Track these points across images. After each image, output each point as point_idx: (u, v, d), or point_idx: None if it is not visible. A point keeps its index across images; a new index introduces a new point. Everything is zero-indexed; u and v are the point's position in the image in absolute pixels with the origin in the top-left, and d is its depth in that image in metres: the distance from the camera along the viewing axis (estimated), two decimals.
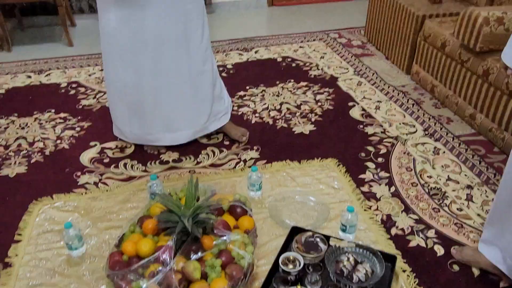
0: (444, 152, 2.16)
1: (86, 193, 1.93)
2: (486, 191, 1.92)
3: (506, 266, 1.52)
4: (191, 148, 2.20)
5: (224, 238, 1.48)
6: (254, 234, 1.57)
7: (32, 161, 2.13)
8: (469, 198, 1.89)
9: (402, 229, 1.74)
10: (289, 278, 1.48)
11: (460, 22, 2.23)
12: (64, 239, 1.61)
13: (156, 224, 1.50)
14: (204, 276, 1.39)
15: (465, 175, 2.00)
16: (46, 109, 2.52)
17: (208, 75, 2.07)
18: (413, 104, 2.56)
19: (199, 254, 1.43)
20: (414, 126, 2.37)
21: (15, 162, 2.12)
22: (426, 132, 2.32)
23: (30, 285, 1.53)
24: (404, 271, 1.57)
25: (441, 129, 2.33)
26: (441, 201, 1.87)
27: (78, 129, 2.35)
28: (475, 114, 2.28)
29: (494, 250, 1.56)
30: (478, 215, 1.79)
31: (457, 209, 1.83)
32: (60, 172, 2.06)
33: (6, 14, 3.39)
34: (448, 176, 2.01)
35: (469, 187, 1.95)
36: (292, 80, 2.83)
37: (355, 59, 3.10)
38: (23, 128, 2.37)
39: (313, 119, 2.44)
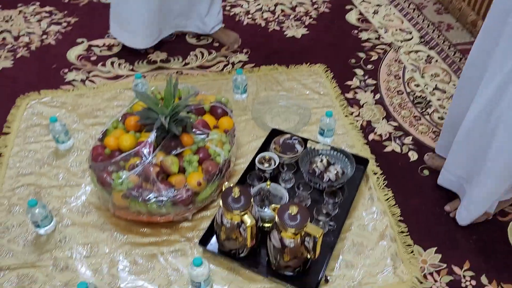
0: (436, 60, 2.16)
1: (73, 90, 1.97)
2: None
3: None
4: (180, 48, 2.19)
5: (203, 136, 1.54)
6: (232, 134, 1.63)
7: (18, 56, 2.14)
8: None
9: (380, 135, 1.81)
10: (263, 176, 1.57)
11: None
12: (51, 132, 1.68)
13: (136, 119, 1.55)
14: (182, 171, 1.48)
15: (454, 85, 2.01)
16: (30, 1, 2.47)
17: None
18: (413, 9, 2.50)
19: (178, 150, 1.50)
20: (410, 33, 2.34)
21: (1, 55, 2.14)
22: (422, 40, 2.29)
23: (20, 173, 1.64)
24: (375, 173, 1.66)
25: (438, 36, 2.30)
26: (423, 110, 1.91)
27: (64, 24, 2.33)
28: (476, 21, 2.22)
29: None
30: None
31: (438, 117, 1.88)
32: (46, 68, 2.08)
33: None
34: (436, 85, 2.03)
35: None
36: None
37: None
38: (7, 21, 2.35)
39: (306, 23, 2.40)
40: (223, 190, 1.32)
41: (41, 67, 2.08)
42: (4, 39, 2.23)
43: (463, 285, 1.35)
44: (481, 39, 1.41)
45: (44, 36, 2.25)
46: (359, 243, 1.44)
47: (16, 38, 2.23)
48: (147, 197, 1.37)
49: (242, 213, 1.26)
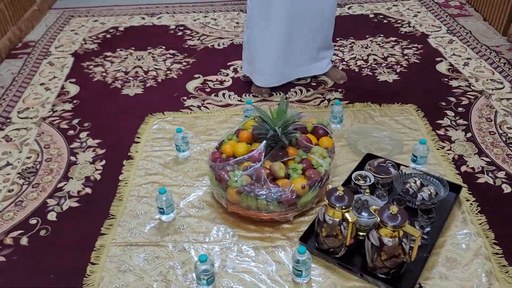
0: None
1: (190, 112, 2.21)
2: None
3: None
4: (281, 86, 2.38)
5: (307, 149, 1.69)
6: (332, 151, 1.75)
7: (147, 85, 2.44)
8: None
9: (472, 168, 1.85)
10: (359, 190, 1.64)
11: None
12: (174, 141, 1.91)
13: (251, 131, 1.75)
14: (287, 177, 1.61)
15: None
16: (157, 46, 2.81)
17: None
18: (504, 63, 2.55)
19: (284, 159, 1.65)
20: (502, 83, 2.39)
21: (133, 85, 2.44)
22: (504, 81, 2.35)
23: (147, 173, 1.87)
24: (468, 200, 1.69)
25: None
26: None
27: (184, 63, 2.62)
28: None
29: None
30: None
31: None
32: (169, 95, 2.35)
33: None
34: None
35: None
36: (382, 35, 2.89)
37: (450, 19, 3.07)
38: (139, 59, 2.68)
39: (398, 70, 2.52)
40: (327, 190, 1.44)
41: (165, 94, 2.36)
42: (137, 72, 2.55)
43: None
44: None
45: (168, 72, 2.55)
46: (453, 259, 1.48)
47: (146, 72, 2.55)
48: (259, 193, 1.52)
49: (345, 210, 1.38)
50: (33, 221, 1.71)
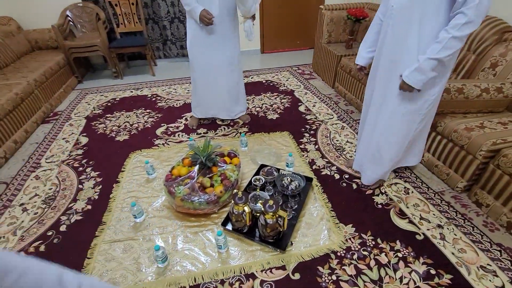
0: (342, 126, 2.21)
1: (157, 148, 2.00)
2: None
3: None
4: (213, 127, 2.24)
5: (223, 167, 1.56)
6: (239, 166, 1.64)
7: (132, 133, 2.19)
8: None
9: (319, 166, 1.80)
10: (256, 188, 1.56)
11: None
12: (145, 169, 1.72)
13: (189, 160, 1.60)
14: (212, 186, 1.48)
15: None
16: (139, 108, 2.56)
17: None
18: (333, 103, 2.53)
19: (210, 175, 1.52)
20: (332, 115, 2.36)
21: (123, 134, 2.18)
22: (337, 117, 2.33)
23: (128, 190, 1.64)
24: (317, 185, 1.64)
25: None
26: (341, 152, 1.92)
27: (155, 117, 2.39)
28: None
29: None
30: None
31: (350, 156, 1.88)
32: (145, 138, 2.12)
33: (120, 59, 3.44)
34: (347, 140, 2.06)
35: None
36: (269, 92, 2.81)
37: (305, 80, 3.05)
38: (127, 117, 2.41)
39: (278, 111, 2.45)
40: (233, 193, 1.35)
41: (142, 138, 2.13)
42: (125, 125, 2.28)
43: (367, 243, 1.32)
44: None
45: (145, 123, 2.31)
46: (309, 223, 1.42)
47: (131, 125, 2.29)
48: (194, 198, 1.39)
49: (243, 205, 1.29)
50: (49, 233, 1.43)
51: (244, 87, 2.19)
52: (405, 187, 1.62)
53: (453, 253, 1.27)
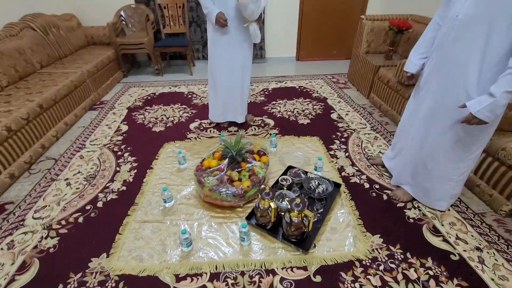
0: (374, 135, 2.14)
1: (190, 141, 2.08)
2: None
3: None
4: (245, 126, 2.28)
5: (252, 163, 1.59)
6: (267, 164, 1.66)
7: (167, 125, 2.30)
8: None
9: (348, 173, 1.76)
10: (282, 187, 1.55)
11: (396, 68, 2.19)
12: (177, 159, 1.79)
13: (220, 153, 1.64)
14: (239, 180, 1.51)
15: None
16: (176, 103, 2.68)
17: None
18: (367, 114, 2.47)
19: (238, 169, 1.56)
20: (365, 125, 2.30)
21: (159, 125, 2.30)
22: (371, 127, 2.28)
23: (160, 177, 1.72)
24: (344, 192, 1.61)
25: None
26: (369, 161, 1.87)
27: (190, 113, 2.49)
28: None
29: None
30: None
31: (382, 167, 1.82)
32: (179, 131, 2.21)
33: (162, 58, 3.65)
34: (379, 151, 1.99)
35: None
36: (302, 98, 2.81)
37: (339, 89, 3.02)
38: (164, 111, 2.54)
39: (309, 117, 2.44)
40: (260, 189, 1.37)
41: (177, 131, 2.22)
42: (162, 118, 2.40)
43: (396, 256, 1.26)
44: None
45: (180, 118, 2.42)
46: (334, 228, 1.39)
47: (168, 118, 2.41)
48: (221, 190, 1.42)
49: (270, 200, 1.30)
50: (88, 207, 1.54)
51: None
52: None
53: (492, 279, 1.16)
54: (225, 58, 1.88)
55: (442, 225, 1.41)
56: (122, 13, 3.34)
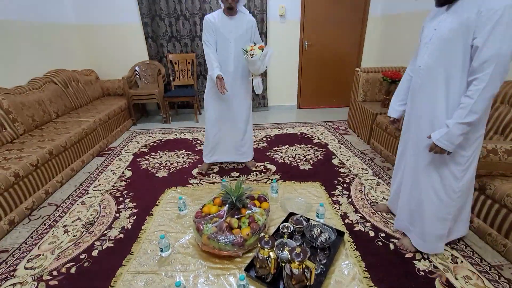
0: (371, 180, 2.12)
1: (192, 186, 2.09)
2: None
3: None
4: (246, 171, 2.31)
5: (252, 210, 1.57)
6: (267, 211, 1.63)
7: (171, 171, 2.34)
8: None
9: (352, 220, 1.72)
10: (283, 235, 1.50)
11: None
12: (177, 204, 1.80)
13: (220, 199, 1.65)
14: (239, 228, 1.48)
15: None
16: (180, 149, 2.77)
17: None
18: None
19: (238, 216, 1.53)
20: (367, 170, 2.30)
21: (163, 171, 2.34)
22: (373, 173, 2.28)
23: (159, 224, 1.69)
24: (349, 241, 1.54)
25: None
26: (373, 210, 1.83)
27: (193, 159, 2.54)
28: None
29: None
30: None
31: (386, 214, 1.78)
32: (182, 177, 2.23)
33: (171, 107, 3.87)
34: (383, 197, 1.97)
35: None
36: (303, 144, 2.87)
37: (339, 135, 3.08)
38: (169, 156, 2.61)
39: (311, 163, 2.46)
40: (259, 237, 1.32)
41: (180, 176, 2.24)
42: (166, 164, 2.45)
43: None
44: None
45: (184, 163, 2.47)
46: (339, 281, 1.30)
47: (171, 164, 2.46)
48: (220, 238, 1.38)
49: (269, 250, 1.25)
50: (82, 256, 1.50)
51: (252, 137, 2.28)
52: (452, 255, 1.44)
53: None
54: (221, 109, 2.01)
55: (456, 279, 1.30)
56: (136, 68, 3.68)
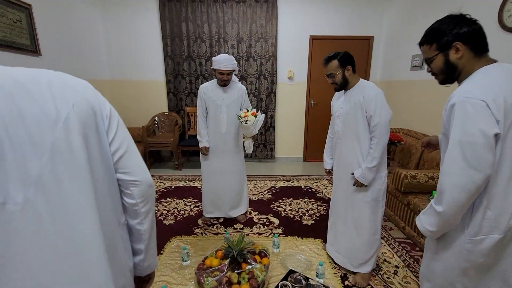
0: None
1: (196, 236, 2.15)
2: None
3: None
4: (249, 223, 2.36)
5: (252, 265, 1.61)
6: (267, 267, 1.66)
7: (177, 218, 2.42)
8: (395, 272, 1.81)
9: (351, 284, 1.70)
10: None
11: (393, 176, 2.38)
12: (181, 255, 1.85)
13: (222, 252, 1.71)
14: (239, 283, 1.52)
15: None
16: (188, 197, 2.87)
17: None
18: None
19: (239, 271, 1.58)
20: None
21: (170, 218, 2.43)
22: None
23: (161, 274, 1.73)
24: None
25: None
26: (376, 272, 1.82)
27: (200, 207, 2.62)
28: (405, 226, 2.26)
29: None
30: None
31: (387, 278, 1.77)
32: (187, 225, 2.31)
33: (183, 154, 4.11)
34: (384, 259, 1.96)
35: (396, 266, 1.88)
36: (307, 197, 2.92)
37: None
38: (177, 204, 2.71)
39: (314, 218, 2.50)
40: None
41: (185, 225, 2.32)
42: (174, 211, 2.54)
43: None
44: None
45: (190, 211, 2.55)
46: None
47: (179, 211, 2.54)
48: None
49: None
50: None
51: (247, 191, 2.38)
52: None
53: None
54: (215, 166, 2.16)
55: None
56: (156, 118, 4.05)
